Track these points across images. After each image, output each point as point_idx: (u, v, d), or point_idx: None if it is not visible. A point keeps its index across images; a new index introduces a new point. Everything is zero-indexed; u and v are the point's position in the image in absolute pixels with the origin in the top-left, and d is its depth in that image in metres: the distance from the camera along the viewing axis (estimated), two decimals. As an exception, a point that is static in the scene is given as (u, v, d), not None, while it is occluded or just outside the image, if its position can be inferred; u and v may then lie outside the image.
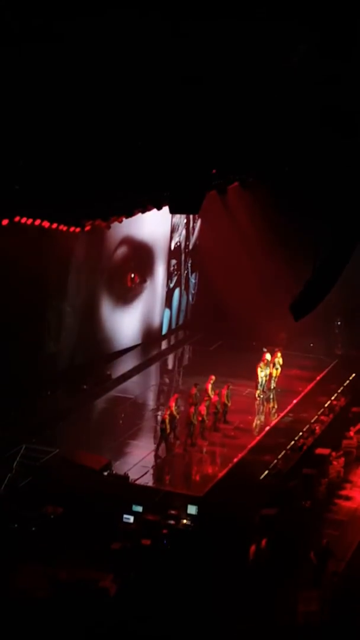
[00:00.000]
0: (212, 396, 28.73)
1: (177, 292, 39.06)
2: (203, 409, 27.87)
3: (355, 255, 22.21)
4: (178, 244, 38.67)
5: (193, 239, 39.67)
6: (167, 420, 26.85)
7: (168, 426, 26.85)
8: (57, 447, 26.07)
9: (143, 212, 25.49)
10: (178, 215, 37.48)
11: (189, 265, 39.78)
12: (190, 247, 39.53)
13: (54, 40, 17.73)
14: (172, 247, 38.20)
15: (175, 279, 38.82)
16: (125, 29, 18.00)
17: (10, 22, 17.04)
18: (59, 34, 17.64)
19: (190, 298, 40.33)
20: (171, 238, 37.87)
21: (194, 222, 39.34)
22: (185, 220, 38.74)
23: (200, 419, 27.67)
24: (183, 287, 39.44)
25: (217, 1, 17.91)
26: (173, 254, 38.34)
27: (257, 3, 18.12)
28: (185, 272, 39.61)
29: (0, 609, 18.74)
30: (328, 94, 19.82)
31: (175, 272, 38.88)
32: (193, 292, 40.47)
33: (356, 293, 34.90)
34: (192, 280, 40.24)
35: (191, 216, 38.82)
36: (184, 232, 38.86)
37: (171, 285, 38.56)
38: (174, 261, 38.54)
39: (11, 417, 27.23)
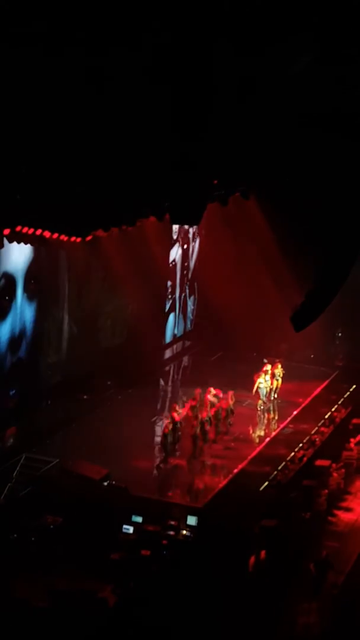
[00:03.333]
0: (215, 402, 28.75)
1: (171, 317, 36.49)
2: (204, 418, 27.86)
3: (356, 266, 22.19)
4: (173, 263, 35.95)
5: (192, 259, 37.05)
6: (168, 431, 26.83)
7: (170, 437, 26.83)
8: (57, 457, 26.05)
9: (144, 222, 25.51)
10: (175, 232, 35.75)
11: (187, 287, 36.90)
12: (190, 267, 36.89)
13: (58, 52, 17.83)
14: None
15: (169, 302, 36.18)
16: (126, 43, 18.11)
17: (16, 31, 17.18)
18: (63, 45, 17.74)
19: (189, 324, 37.51)
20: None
21: (193, 240, 36.97)
22: (181, 239, 36.30)
23: (199, 430, 27.65)
24: (179, 312, 36.69)
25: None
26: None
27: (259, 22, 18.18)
28: (183, 294, 36.85)
29: (-1, 619, 18.73)
30: (330, 99, 19.86)
31: (170, 295, 36.08)
32: (191, 317, 37.60)
33: (357, 304, 34.91)
34: (190, 305, 37.44)
35: (190, 234, 36.80)
36: (179, 250, 36.21)
37: (165, 310, 35.88)
38: (168, 282, 35.69)
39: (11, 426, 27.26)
